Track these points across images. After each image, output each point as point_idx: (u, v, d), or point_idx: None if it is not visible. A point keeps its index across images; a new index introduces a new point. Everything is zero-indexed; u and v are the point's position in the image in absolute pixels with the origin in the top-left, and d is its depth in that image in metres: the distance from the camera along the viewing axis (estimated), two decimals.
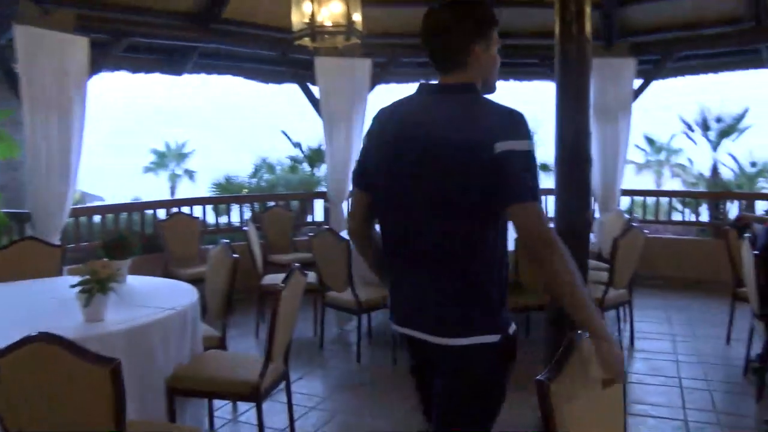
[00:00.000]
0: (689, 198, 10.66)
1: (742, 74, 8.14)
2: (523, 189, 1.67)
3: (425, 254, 1.81)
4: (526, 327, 5.03)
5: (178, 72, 7.26)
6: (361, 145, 1.99)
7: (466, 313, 1.78)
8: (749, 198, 10.87)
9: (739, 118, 15.93)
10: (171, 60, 7.19)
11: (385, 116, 1.91)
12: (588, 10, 3.40)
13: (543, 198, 2.40)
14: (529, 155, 1.69)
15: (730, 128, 15.79)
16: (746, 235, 4.22)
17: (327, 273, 4.94)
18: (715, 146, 15.79)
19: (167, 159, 26.50)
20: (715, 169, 15.41)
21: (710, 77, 8.15)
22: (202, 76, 7.84)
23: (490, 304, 1.79)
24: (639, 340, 5.17)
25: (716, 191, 13.24)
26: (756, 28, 6.46)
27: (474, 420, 1.83)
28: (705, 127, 15.82)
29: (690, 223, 9.25)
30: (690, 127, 15.95)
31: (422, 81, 1.91)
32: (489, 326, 1.79)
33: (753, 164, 16.43)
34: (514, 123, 1.71)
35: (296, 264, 3.26)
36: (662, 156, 18.99)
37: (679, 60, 7.60)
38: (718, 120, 15.78)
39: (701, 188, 15.44)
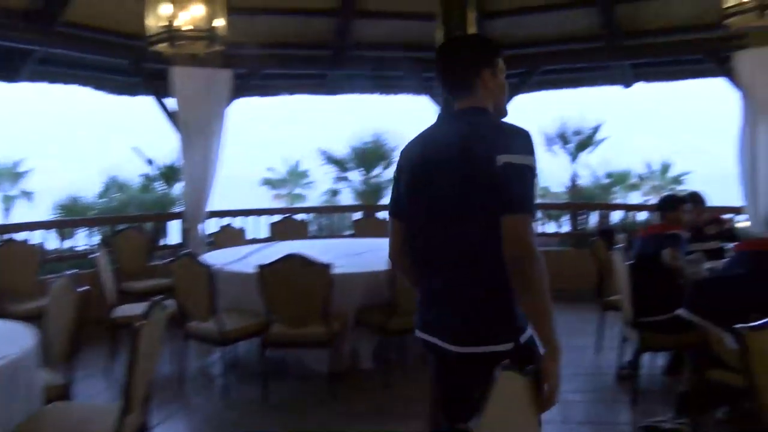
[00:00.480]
0: (553, 210, 11.13)
1: (598, 90, 8.61)
2: (516, 201, 1.79)
3: (445, 263, 1.96)
4: (402, 350, 4.90)
5: (11, 79, 6.44)
6: (393, 177, 2.18)
7: (481, 322, 1.91)
8: (605, 208, 11.36)
9: (595, 131, 16.91)
10: (3, 65, 6.35)
11: (410, 145, 2.11)
12: (473, 20, 3.35)
13: None
14: (528, 170, 1.81)
15: (587, 141, 16.75)
16: (620, 245, 4.37)
17: (188, 301, 4.50)
18: (573, 158, 16.79)
19: None
20: (574, 181, 16.38)
21: (569, 92, 8.60)
22: (43, 84, 7.01)
23: (503, 312, 1.89)
24: None
25: (577, 202, 13.95)
26: (609, 46, 6.88)
27: None
28: (564, 140, 16.80)
29: (551, 235, 9.60)
30: (551, 140, 16.80)
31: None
32: (502, 335, 1.89)
33: (608, 175, 17.71)
34: (517, 139, 1.85)
35: (158, 296, 2.86)
36: None
37: (541, 74, 7.88)
38: (576, 133, 16.74)
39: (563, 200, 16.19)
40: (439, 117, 2.13)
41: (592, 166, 17.28)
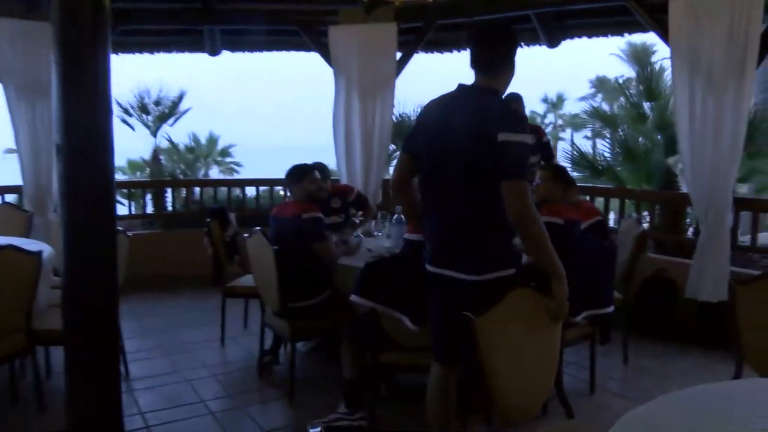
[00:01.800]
0: (134, 189, 9.69)
1: (185, 56, 7.93)
2: (512, 170, 2.33)
3: (457, 210, 2.49)
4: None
5: None
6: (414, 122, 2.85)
7: (489, 255, 2.47)
8: (193, 185, 9.80)
9: (178, 101, 15.64)
10: None
11: (430, 105, 2.65)
12: None
13: None
14: (522, 145, 2.35)
15: (169, 112, 15.42)
16: (257, 228, 3.90)
17: None
18: (154, 132, 15.36)
19: None
20: (156, 155, 15.00)
21: (148, 57, 7.62)
22: None
23: (505, 246, 2.50)
24: (132, 364, 4.22)
25: (162, 179, 12.91)
26: (202, 10, 6.33)
27: None
28: (144, 110, 15.19)
29: (134, 217, 8.48)
30: (127, 111, 14.96)
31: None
32: (507, 264, 2.48)
33: (191, 149, 16.66)
34: (514, 120, 2.39)
35: None
36: None
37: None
38: (157, 103, 15.28)
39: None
40: (459, 88, 2.55)
41: (175, 139, 16.21)
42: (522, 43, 6.58)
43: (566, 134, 47.61)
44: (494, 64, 2.50)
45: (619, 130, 6.37)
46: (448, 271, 2.48)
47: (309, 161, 4.53)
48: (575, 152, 6.99)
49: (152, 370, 4.26)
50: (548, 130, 43.54)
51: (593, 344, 3.84)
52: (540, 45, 6.67)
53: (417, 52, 6.66)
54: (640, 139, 6.14)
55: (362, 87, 6.30)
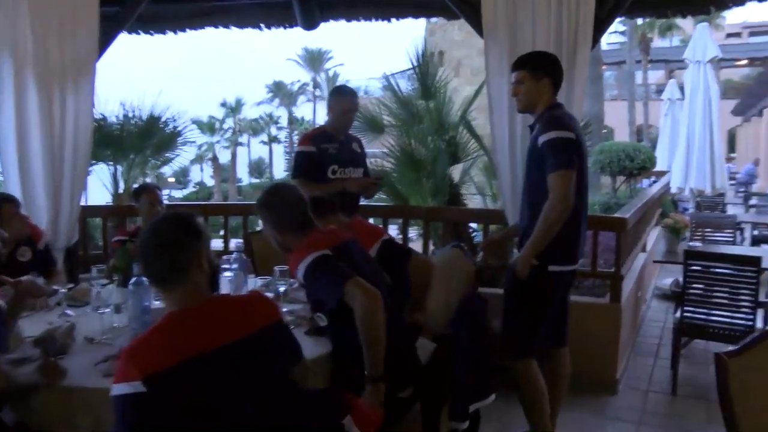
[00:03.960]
0: None
1: None
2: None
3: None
4: None
5: None
6: None
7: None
8: None
9: None
10: None
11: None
12: None
13: None
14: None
15: None
16: None
17: None
18: None
19: None
20: None
21: None
22: None
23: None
24: None
25: None
26: None
27: None
28: None
29: None
30: None
31: None
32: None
33: None
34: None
35: None
36: None
37: None
38: None
39: None
40: None
41: None
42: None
43: (243, 139, 47.23)
44: None
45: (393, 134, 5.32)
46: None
47: None
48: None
49: None
50: (227, 135, 42.39)
51: None
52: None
53: (123, 32, 4.80)
54: (413, 143, 5.12)
55: (44, 73, 4.19)
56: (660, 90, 30.08)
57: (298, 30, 5.67)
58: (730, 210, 11.83)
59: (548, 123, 2.92)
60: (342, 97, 3.88)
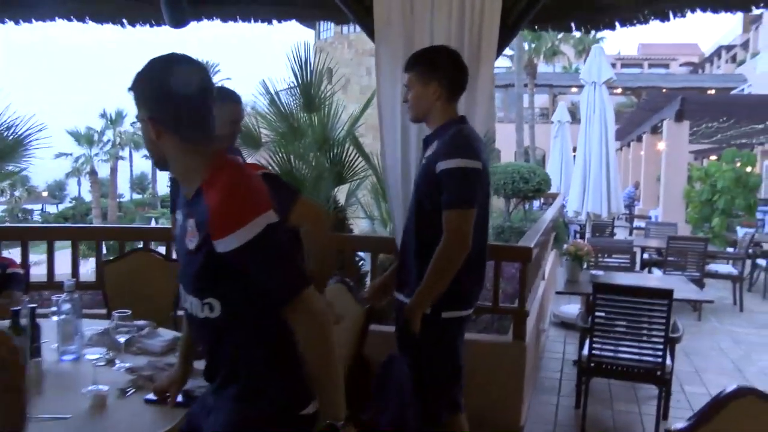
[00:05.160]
0: None
1: None
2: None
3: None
4: None
5: None
6: None
7: None
8: None
9: None
10: None
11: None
12: None
13: None
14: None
15: None
16: None
17: None
18: None
19: None
20: None
21: None
22: None
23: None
24: None
25: None
26: None
27: None
28: None
29: None
30: None
31: None
32: None
33: None
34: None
35: None
36: None
37: None
38: None
39: None
40: None
41: None
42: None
43: (125, 153, 44.27)
44: None
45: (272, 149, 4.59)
46: None
47: None
48: None
49: None
50: (106, 148, 39.35)
51: None
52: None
53: None
54: (293, 160, 4.40)
55: None
56: (544, 113, 31.38)
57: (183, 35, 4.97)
58: (617, 233, 12.04)
59: (452, 146, 2.42)
60: (231, 104, 2.94)
